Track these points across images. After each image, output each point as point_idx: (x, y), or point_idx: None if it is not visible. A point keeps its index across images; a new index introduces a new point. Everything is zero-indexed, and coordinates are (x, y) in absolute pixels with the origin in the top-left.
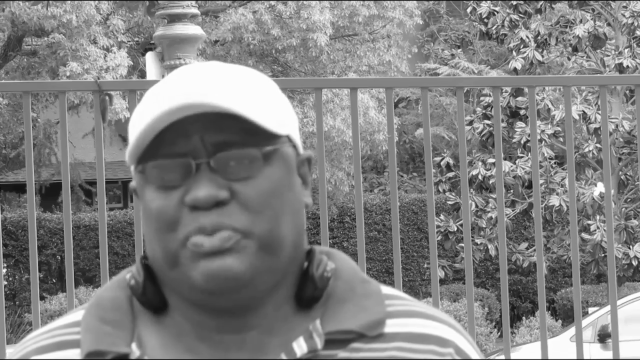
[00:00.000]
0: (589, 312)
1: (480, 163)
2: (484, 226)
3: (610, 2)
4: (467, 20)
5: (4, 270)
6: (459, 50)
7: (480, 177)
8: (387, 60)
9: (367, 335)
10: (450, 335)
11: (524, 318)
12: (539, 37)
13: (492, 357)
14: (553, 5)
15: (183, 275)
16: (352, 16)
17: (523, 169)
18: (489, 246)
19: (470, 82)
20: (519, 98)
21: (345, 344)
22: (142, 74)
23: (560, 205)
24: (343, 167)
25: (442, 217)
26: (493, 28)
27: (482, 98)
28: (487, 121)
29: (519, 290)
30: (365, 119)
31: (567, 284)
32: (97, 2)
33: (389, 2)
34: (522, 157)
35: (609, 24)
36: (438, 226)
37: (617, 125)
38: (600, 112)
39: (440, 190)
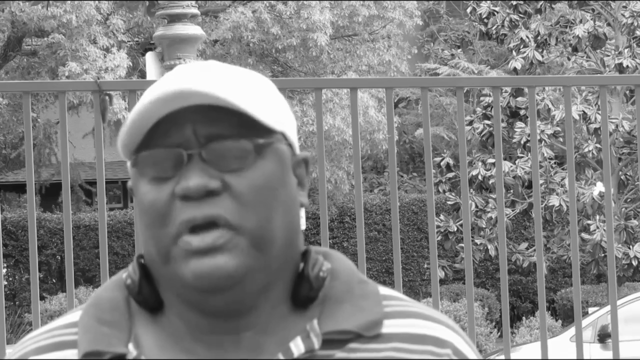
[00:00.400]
0: (589, 312)
1: (480, 163)
2: (483, 226)
3: (610, 2)
4: (467, 20)
5: (4, 270)
6: (459, 50)
7: (480, 177)
8: (387, 60)
9: (364, 335)
10: (447, 335)
11: (524, 318)
12: (539, 37)
13: (492, 357)
14: (553, 5)
15: (175, 273)
16: (352, 16)
17: (523, 169)
18: (489, 246)
19: (470, 82)
20: (519, 98)
21: (343, 344)
22: (142, 74)
23: (560, 205)
24: (343, 166)
25: (442, 217)
26: (493, 28)
27: (482, 98)
28: (487, 121)
29: (519, 290)
30: (365, 118)
31: (567, 284)
32: (97, 2)
33: (388, 2)
34: (522, 157)
35: (608, 24)
36: (438, 226)
37: (617, 125)
38: (600, 112)
39: (440, 190)
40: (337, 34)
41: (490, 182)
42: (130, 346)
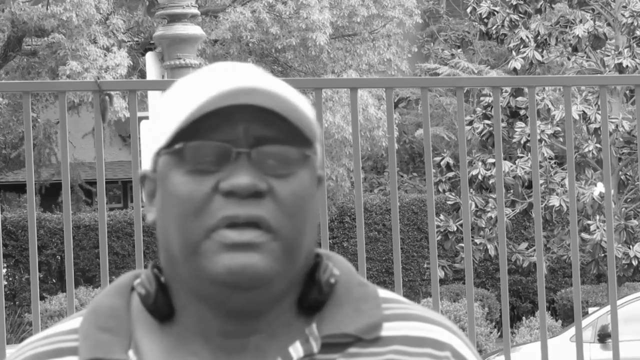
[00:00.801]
0: (589, 312)
1: (480, 163)
2: (483, 226)
3: (610, 2)
4: (467, 20)
5: (4, 270)
6: (459, 50)
7: (480, 177)
8: (387, 58)
9: (364, 338)
10: (447, 338)
11: (524, 318)
12: (539, 37)
13: (491, 358)
14: (553, 5)
15: (201, 266)
16: (352, 16)
17: (523, 169)
18: (489, 246)
19: (470, 82)
20: (519, 98)
21: (342, 348)
22: (142, 74)
23: (560, 205)
24: (344, 163)
25: (442, 217)
26: (493, 28)
27: (482, 98)
28: (487, 121)
29: (519, 290)
30: (365, 116)
31: (567, 284)
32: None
33: (388, 0)
34: (522, 157)
35: (608, 24)
36: (438, 226)
37: (617, 125)
38: (600, 112)
39: (440, 190)
40: (336, 33)
41: (490, 182)
42: (130, 353)
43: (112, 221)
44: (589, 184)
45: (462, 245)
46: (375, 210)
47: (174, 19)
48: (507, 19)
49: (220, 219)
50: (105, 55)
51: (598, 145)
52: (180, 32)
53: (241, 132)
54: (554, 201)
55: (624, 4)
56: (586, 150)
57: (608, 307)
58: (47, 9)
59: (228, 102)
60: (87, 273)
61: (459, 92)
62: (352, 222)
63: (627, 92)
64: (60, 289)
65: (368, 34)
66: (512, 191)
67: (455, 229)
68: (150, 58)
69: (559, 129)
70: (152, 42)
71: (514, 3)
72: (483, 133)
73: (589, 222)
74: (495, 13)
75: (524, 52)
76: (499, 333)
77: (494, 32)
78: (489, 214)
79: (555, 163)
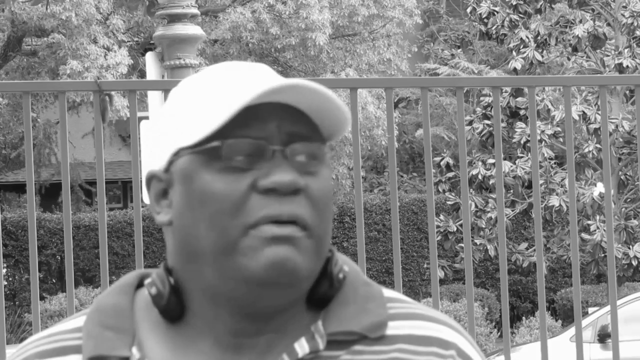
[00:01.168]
0: (589, 312)
1: (480, 163)
2: (483, 226)
3: (610, 2)
4: (467, 20)
5: (4, 270)
6: (459, 50)
7: (480, 177)
8: (387, 58)
9: (369, 337)
10: (451, 337)
11: (524, 318)
12: (539, 37)
13: (491, 358)
14: (553, 5)
15: (236, 265)
16: (352, 16)
17: (523, 169)
18: (489, 246)
19: (470, 82)
20: (519, 98)
21: (347, 346)
22: (142, 74)
23: (560, 205)
24: (344, 162)
25: (441, 217)
26: (493, 28)
27: (482, 98)
28: (487, 121)
29: (519, 290)
30: (364, 115)
31: (567, 284)
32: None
33: (388, 0)
34: (522, 157)
35: (608, 24)
36: (438, 226)
37: (617, 126)
38: (600, 112)
39: (440, 190)
40: (336, 33)
41: (490, 182)
42: (134, 349)
43: (112, 221)
44: (589, 184)
45: (462, 245)
46: (375, 210)
47: (174, 19)
48: (507, 19)
49: (261, 217)
50: (106, 55)
51: (598, 146)
52: (180, 32)
53: (274, 130)
54: (554, 201)
55: (624, 4)
56: (586, 150)
57: (608, 307)
58: (46, 8)
59: (265, 99)
60: (87, 273)
61: (459, 92)
62: (352, 222)
63: (627, 92)
64: (60, 289)
65: (368, 34)
66: (512, 191)
67: (455, 229)
68: (150, 58)
69: (559, 129)
70: (152, 42)
71: (514, 3)
72: (483, 133)
73: (589, 222)
74: (495, 13)
75: (524, 52)
76: (499, 333)
77: (494, 32)
78: (489, 214)
79: (555, 163)
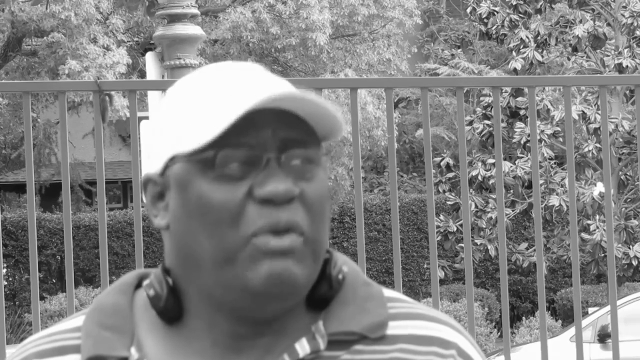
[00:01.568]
0: (589, 312)
1: (480, 163)
2: (483, 226)
3: (610, 2)
4: (467, 20)
5: (4, 270)
6: (459, 50)
7: (480, 177)
8: (387, 58)
9: (369, 337)
10: (452, 336)
11: (524, 318)
12: (539, 37)
13: (491, 358)
14: (553, 6)
15: (236, 276)
16: (352, 16)
17: (523, 169)
18: (489, 246)
19: (470, 82)
20: (519, 98)
21: (348, 346)
22: (142, 74)
23: (560, 205)
24: (343, 162)
25: (441, 217)
26: (493, 28)
27: (482, 98)
28: (487, 121)
29: (519, 290)
30: (363, 115)
31: (567, 284)
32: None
33: (388, 1)
34: (522, 157)
35: (608, 24)
36: (438, 226)
37: (616, 125)
38: (600, 112)
39: (440, 190)
40: (337, 33)
41: (490, 182)
42: (133, 350)
43: (112, 221)
44: (589, 184)
45: (462, 245)
46: (375, 210)
47: (174, 19)
48: (507, 19)
49: (261, 227)
50: (105, 54)
51: (598, 145)
52: (180, 32)
53: (269, 136)
54: (554, 201)
55: (624, 4)
56: (586, 150)
57: (608, 307)
58: (46, 8)
59: (261, 106)
60: (87, 273)
61: (459, 92)
62: (352, 222)
63: (627, 92)
64: (60, 289)
65: (368, 34)
66: (512, 191)
67: (455, 229)
68: (150, 58)
69: (558, 129)
70: (152, 42)
71: (514, 3)
72: (483, 133)
73: (589, 222)
74: (495, 13)
75: (524, 52)
76: (499, 333)
77: (494, 32)
78: (489, 215)
79: (555, 163)
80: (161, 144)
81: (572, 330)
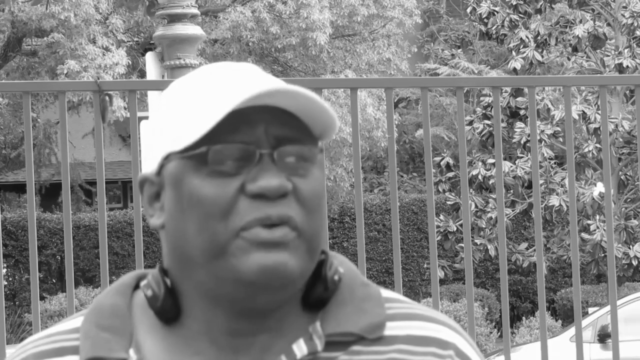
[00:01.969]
0: (589, 312)
1: (480, 163)
2: (483, 226)
3: (610, 2)
4: (467, 20)
5: (4, 270)
6: (459, 50)
7: (480, 177)
8: (387, 57)
9: (367, 337)
10: (450, 337)
11: (524, 318)
12: (539, 37)
13: (491, 358)
14: (553, 5)
15: (228, 267)
16: (352, 15)
17: (523, 169)
18: (489, 246)
19: (470, 82)
20: (519, 98)
21: (345, 347)
22: (142, 74)
23: (560, 205)
24: (342, 163)
25: (441, 217)
26: (493, 28)
27: (482, 98)
28: (487, 121)
29: (519, 290)
30: (363, 116)
31: (567, 284)
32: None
33: (388, 0)
34: (522, 157)
35: (608, 24)
36: (438, 226)
37: (617, 125)
38: (600, 112)
39: (440, 190)
40: (337, 33)
41: (490, 182)
42: (131, 351)
43: (112, 221)
44: (589, 184)
45: (462, 245)
46: (375, 210)
47: (174, 19)
48: (507, 19)
49: (250, 221)
50: (104, 55)
51: (598, 145)
52: (180, 32)
53: (262, 133)
54: (554, 201)
55: (624, 4)
56: (586, 150)
57: (608, 307)
58: (46, 8)
59: (252, 103)
60: (87, 273)
61: (459, 92)
62: (352, 222)
63: (627, 92)
64: (60, 289)
65: (368, 33)
66: (512, 191)
67: (455, 229)
68: (150, 58)
69: (558, 129)
70: (152, 42)
71: (514, 3)
72: (483, 133)
73: (589, 222)
74: (495, 13)
75: (524, 52)
76: (499, 333)
77: (494, 32)
78: (489, 214)
79: (555, 163)
80: (157, 144)
81: (572, 330)
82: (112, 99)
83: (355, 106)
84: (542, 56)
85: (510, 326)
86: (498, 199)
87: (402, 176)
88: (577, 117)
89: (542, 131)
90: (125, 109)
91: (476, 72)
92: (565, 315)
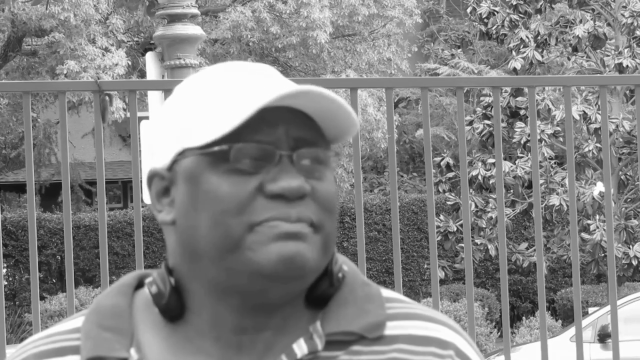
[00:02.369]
0: (589, 312)
1: (480, 163)
2: (484, 226)
3: (610, 2)
4: (467, 20)
5: (4, 270)
6: (459, 50)
7: (480, 177)
8: (387, 57)
9: (367, 337)
10: (450, 337)
11: (524, 318)
12: (539, 37)
13: (491, 358)
14: (553, 5)
15: (244, 260)
16: (352, 15)
17: (523, 169)
18: (489, 246)
19: (470, 82)
20: (519, 98)
21: (346, 346)
22: (142, 74)
23: (560, 205)
24: (342, 163)
25: (442, 217)
26: (493, 28)
27: (482, 98)
28: (487, 121)
29: (519, 290)
30: (364, 117)
31: (567, 284)
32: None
33: (388, 0)
34: (522, 157)
35: (608, 24)
36: (438, 226)
37: (617, 125)
38: (600, 112)
39: (440, 190)
40: (337, 32)
41: (490, 182)
42: (132, 351)
43: (112, 221)
44: (589, 184)
45: (462, 245)
46: (375, 210)
47: (174, 19)
48: (507, 19)
49: (268, 217)
50: (104, 55)
51: (598, 145)
52: (180, 32)
53: (282, 134)
54: (554, 201)
55: (624, 4)
56: (586, 150)
57: (608, 307)
58: (46, 8)
59: (277, 104)
60: (87, 273)
61: (459, 92)
62: (352, 222)
63: (627, 92)
64: (60, 289)
65: (368, 33)
66: (512, 191)
67: (455, 229)
68: (150, 58)
69: (559, 129)
70: (152, 42)
71: (514, 3)
72: (483, 133)
73: (589, 222)
74: (495, 13)
75: (524, 52)
76: (499, 333)
77: (494, 32)
78: (489, 214)
79: (555, 163)
80: (169, 139)
81: (572, 330)
82: (112, 99)
83: (355, 106)
84: (542, 56)
85: (510, 326)
86: (498, 199)
87: (402, 176)
88: (577, 117)
89: (543, 131)
90: (124, 109)
91: (476, 72)
92: (565, 315)
